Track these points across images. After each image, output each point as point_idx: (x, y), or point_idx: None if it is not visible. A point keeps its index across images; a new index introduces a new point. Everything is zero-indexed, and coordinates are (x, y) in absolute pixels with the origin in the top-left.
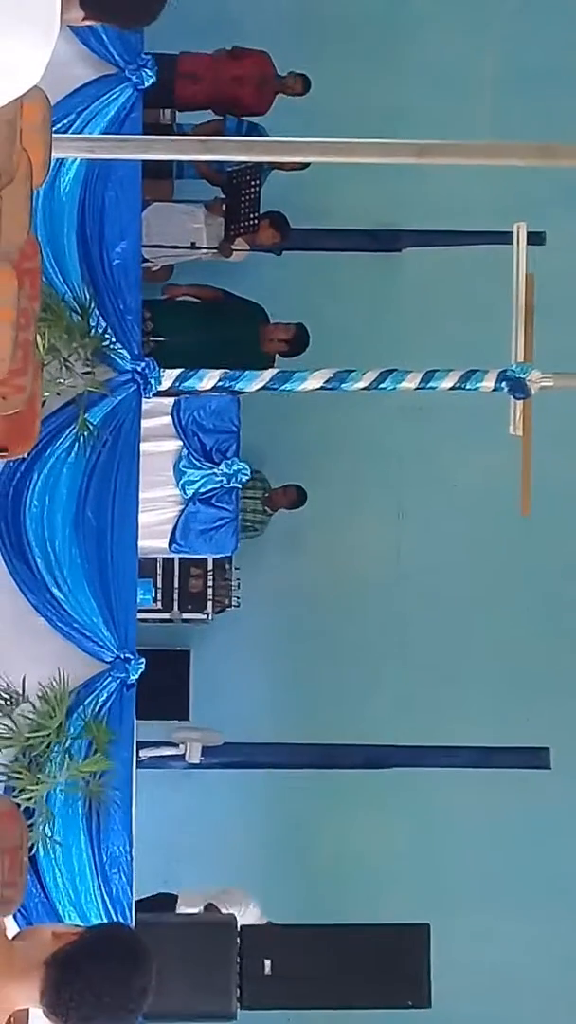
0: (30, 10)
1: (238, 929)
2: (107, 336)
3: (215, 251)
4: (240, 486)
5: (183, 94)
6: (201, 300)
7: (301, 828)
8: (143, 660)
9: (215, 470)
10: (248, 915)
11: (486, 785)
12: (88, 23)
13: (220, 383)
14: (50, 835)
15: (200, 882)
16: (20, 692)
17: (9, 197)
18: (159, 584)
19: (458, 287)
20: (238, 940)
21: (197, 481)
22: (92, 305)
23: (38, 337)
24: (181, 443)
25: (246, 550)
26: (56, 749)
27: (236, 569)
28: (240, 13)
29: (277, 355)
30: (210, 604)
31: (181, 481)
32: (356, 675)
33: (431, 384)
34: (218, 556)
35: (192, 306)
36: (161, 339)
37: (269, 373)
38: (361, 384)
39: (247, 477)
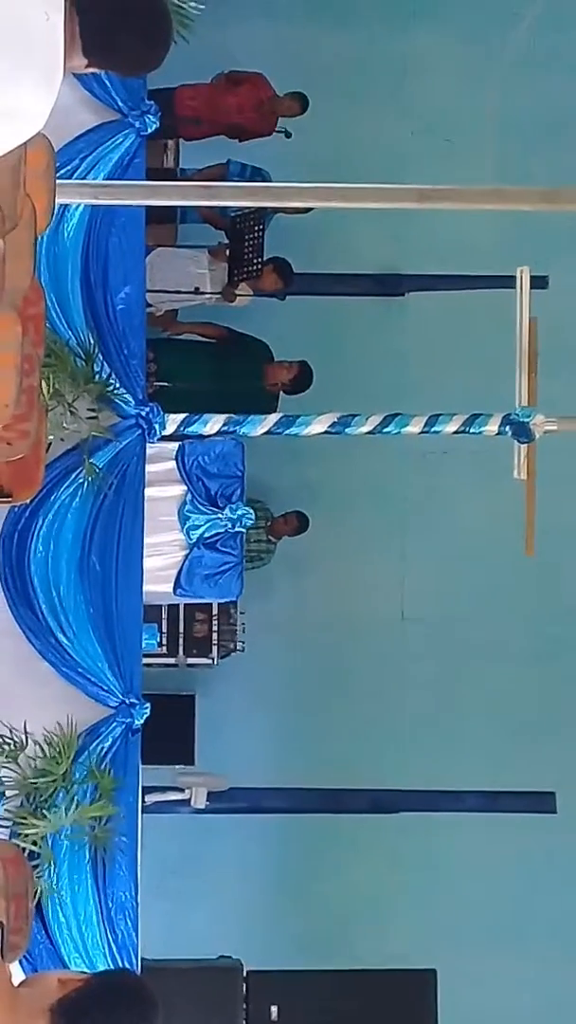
0: (34, 57)
1: (244, 975)
2: (111, 381)
3: (219, 296)
4: (245, 530)
5: (187, 135)
6: (205, 338)
7: (307, 873)
8: (148, 705)
9: (220, 515)
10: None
11: (492, 829)
12: (91, 70)
13: (224, 428)
14: (56, 881)
15: (205, 927)
16: (24, 737)
17: (13, 243)
18: (164, 629)
19: (462, 331)
20: (244, 986)
21: (202, 526)
22: (96, 350)
23: (42, 382)
24: (185, 488)
25: (251, 593)
26: (61, 795)
27: (241, 613)
28: (242, 57)
29: (281, 393)
30: (215, 649)
31: (186, 526)
32: (361, 719)
33: (435, 428)
34: (223, 601)
35: (196, 344)
36: (165, 384)
37: (273, 418)
38: (365, 428)
39: (251, 522)
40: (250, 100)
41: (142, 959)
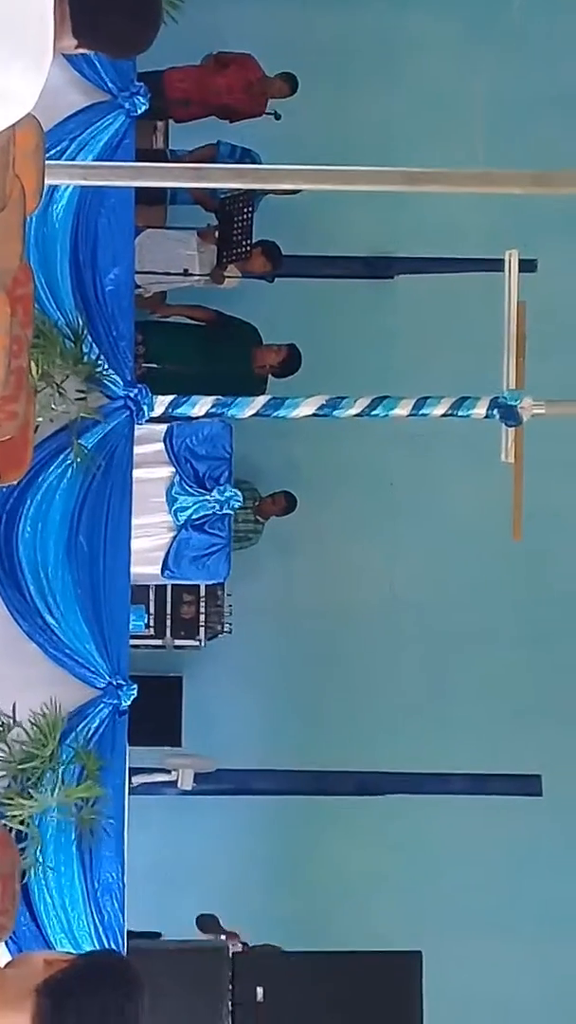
0: (23, 38)
1: (230, 956)
2: (100, 362)
3: (207, 278)
4: (232, 512)
5: (177, 117)
6: (194, 320)
7: (294, 855)
8: (135, 686)
9: (207, 497)
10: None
11: (478, 812)
12: (81, 51)
13: (213, 410)
14: (42, 862)
15: (193, 909)
16: (12, 718)
17: (1, 224)
18: (151, 610)
19: (450, 314)
20: (231, 967)
21: (189, 508)
22: (85, 331)
23: (31, 363)
24: (174, 469)
25: (239, 574)
26: (48, 776)
27: (228, 595)
28: (231, 39)
29: (270, 376)
30: (202, 630)
31: (173, 507)
32: (349, 702)
33: (423, 411)
34: (210, 583)
35: (184, 327)
36: (154, 365)
37: (262, 400)
38: (353, 411)
39: (239, 504)
40: (239, 81)
41: (128, 939)
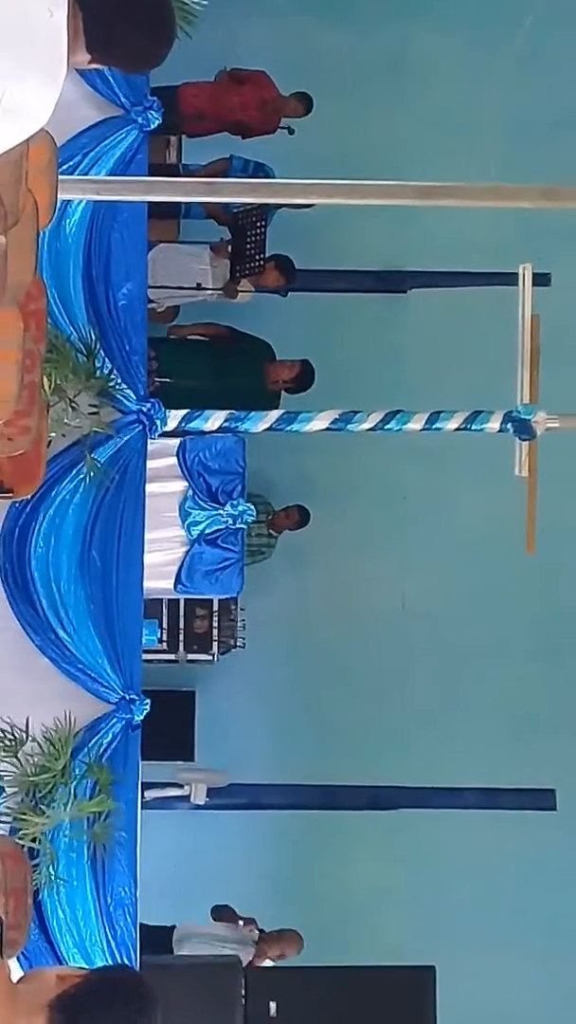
0: (37, 53)
1: (243, 970)
2: (113, 377)
3: (220, 293)
4: (246, 527)
5: (190, 132)
6: (207, 338)
7: (306, 869)
8: (148, 701)
9: (220, 511)
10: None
11: (491, 826)
12: (95, 66)
13: (226, 424)
14: (54, 877)
15: (206, 923)
16: (25, 733)
17: (15, 238)
18: (164, 625)
19: (464, 328)
20: (243, 982)
21: (203, 522)
22: (98, 346)
23: (44, 378)
24: (187, 484)
25: (252, 588)
26: (61, 790)
27: (241, 610)
28: (244, 55)
29: (283, 392)
30: (215, 645)
31: (186, 522)
32: (361, 716)
33: (437, 425)
34: (223, 597)
35: (198, 344)
36: (167, 380)
37: (275, 414)
38: (367, 425)
39: (252, 518)
40: (254, 99)
41: (140, 955)
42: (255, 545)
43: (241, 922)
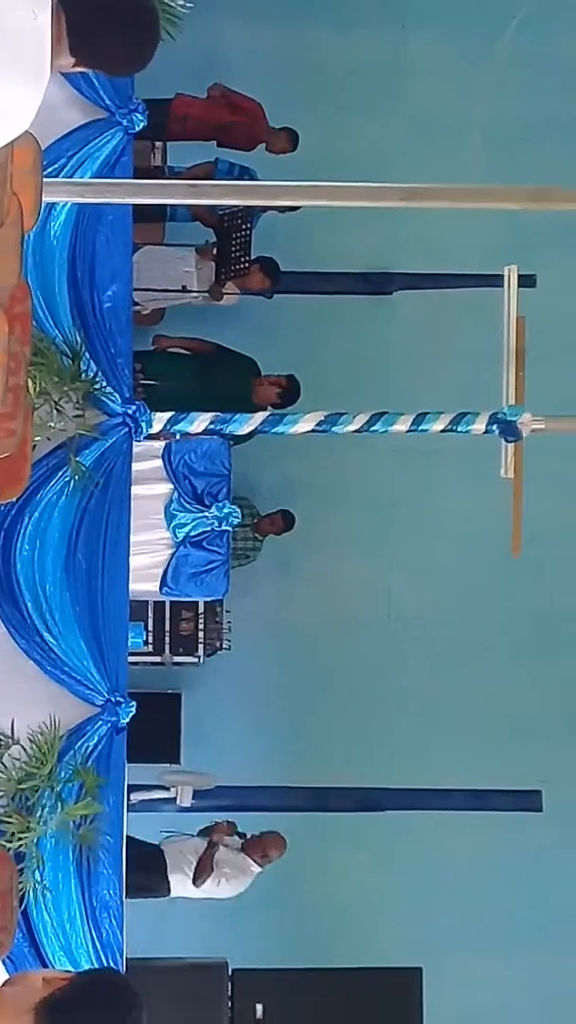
0: (21, 56)
1: (229, 973)
2: (98, 379)
3: (206, 295)
4: (231, 529)
5: (174, 133)
6: (192, 352)
7: (293, 871)
8: (134, 703)
9: (206, 513)
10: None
11: (478, 828)
12: (79, 69)
13: (211, 426)
14: (40, 880)
15: (191, 926)
16: (10, 736)
17: None
18: (150, 627)
19: (449, 330)
20: (229, 984)
21: (188, 524)
22: (83, 349)
23: (29, 381)
24: (172, 486)
25: (238, 590)
26: (47, 794)
27: (227, 612)
28: (232, 58)
29: (269, 407)
30: (201, 647)
31: (172, 524)
32: (348, 717)
33: (422, 426)
34: (209, 599)
35: (183, 358)
36: (153, 383)
37: (260, 416)
38: (352, 427)
39: (238, 520)
40: (245, 131)
41: (126, 958)
42: (240, 549)
43: (223, 823)
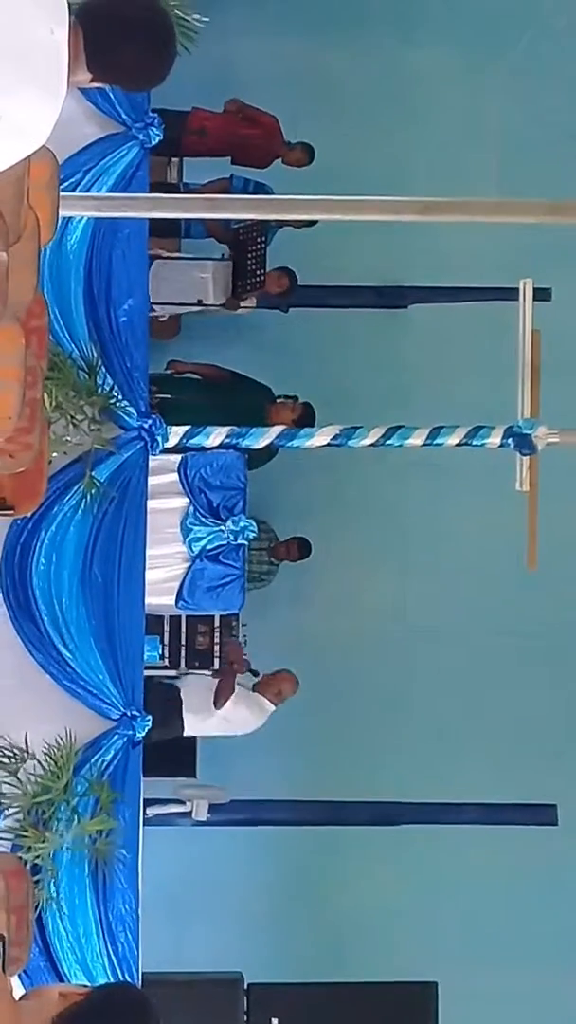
0: (38, 72)
1: (245, 987)
2: (114, 394)
3: (221, 307)
4: (247, 543)
5: (190, 147)
6: (206, 379)
7: (308, 885)
8: (150, 717)
9: (222, 527)
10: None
11: (493, 842)
12: (96, 85)
13: (227, 440)
14: (56, 894)
15: (207, 940)
16: (25, 750)
17: (16, 255)
18: (166, 641)
19: (464, 343)
20: (245, 999)
21: (204, 538)
22: (99, 363)
23: (45, 395)
24: (188, 500)
25: (253, 606)
26: (62, 808)
27: (243, 626)
28: (245, 71)
29: None
30: (217, 661)
31: (188, 538)
32: (363, 732)
33: (438, 440)
34: (225, 613)
35: (198, 383)
36: (168, 396)
37: (276, 430)
38: (368, 441)
39: (254, 534)
40: (262, 146)
41: (142, 972)
42: (256, 572)
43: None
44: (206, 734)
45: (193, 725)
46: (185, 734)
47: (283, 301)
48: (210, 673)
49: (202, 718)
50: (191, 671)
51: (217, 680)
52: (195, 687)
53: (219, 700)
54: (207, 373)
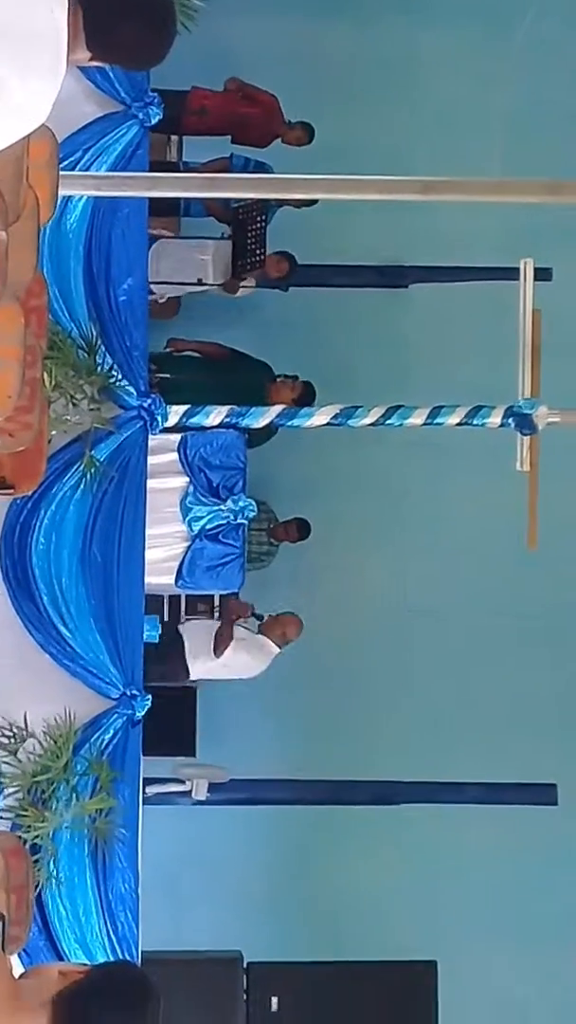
0: (37, 50)
1: (244, 966)
2: (114, 373)
3: (221, 287)
4: (247, 522)
5: (190, 127)
6: (207, 357)
7: (308, 864)
8: (149, 697)
9: (222, 506)
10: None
11: (493, 821)
12: (95, 64)
13: (227, 419)
14: (55, 873)
15: (207, 919)
16: (25, 729)
17: (16, 234)
18: (166, 620)
19: (465, 323)
20: (244, 978)
21: (204, 517)
22: (99, 342)
23: (44, 374)
24: (188, 479)
25: (252, 587)
26: (62, 787)
27: None
28: (246, 50)
29: None
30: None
31: (187, 517)
32: (363, 711)
33: (438, 420)
34: (225, 592)
35: (198, 362)
36: (167, 376)
37: (276, 409)
38: (368, 420)
39: (253, 513)
40: (260, 120)
41: (142, 951)
42: (255, 553)
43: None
44: (209, 678)
45: (197, 670)
46: (192, 678)
47: (284, 275)
48: (212, 618)
49: (203, 662)
50: (191, 617)
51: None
52: (197, 631)
53: (218, 648)
54: (207, 351)
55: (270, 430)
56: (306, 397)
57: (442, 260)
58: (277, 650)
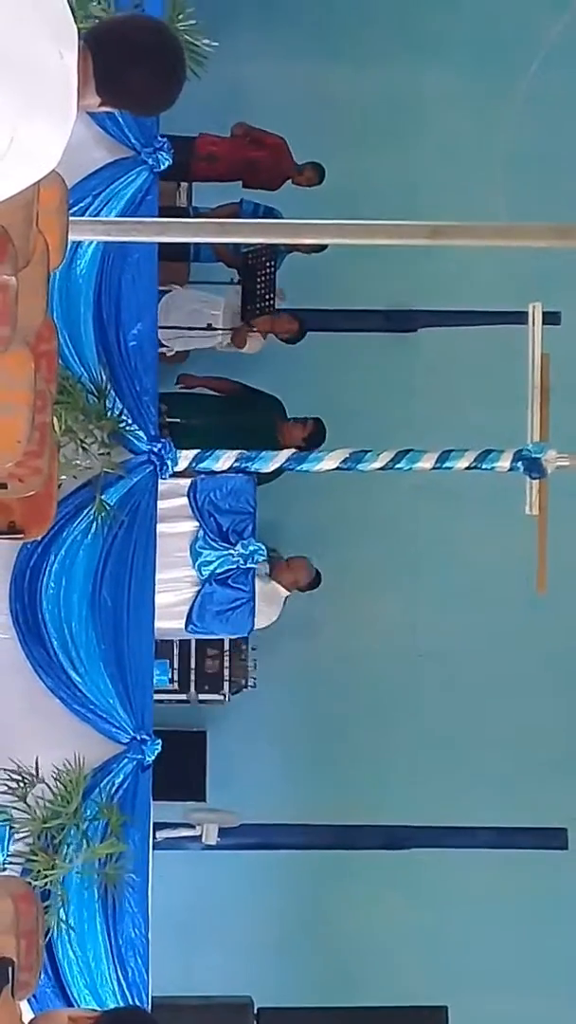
0: (48, 96)
1: (255, 1012)
2: (123, 417)
3: (230, 341)
4: (256, 566)
5: (200, 173)
6: (217, 392)
7: (318, 909)
8: (159, 741)
9: (231, 551)
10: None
11: (504, 866)
12: (105, 109)
13: (236, 464)
14: (65, 918)
15: (217, 965)
16: (35, 774)
17: (26, 279)
18: (175, 665)
19: (473, 367)
20: (255, 1023)
21: (213, 562)
22: (108, 387)
23: (54, 419)
24: (197, 524)
25: (263, 631)
26: (72, 832)
27: (252, 650)
28: (255, 95)
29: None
30: (226, 685)
31: (197, 562)
32: (373, 756)
33: (447, 464)
34: (234, 637)
35: (208, 398)
36: (177, 420)
37: (285, 453)
38: (377, 464)
39: (263, 558)
40: (269, 163)
41: (152, 996)
42: None
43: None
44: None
45: None
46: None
47: (295, 334)
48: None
49: None
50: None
51: None
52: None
53: None
54: (217, 386)
55: (279, 469)
56: (317, 435)
57: (451, 304)
58: (286, 593)
